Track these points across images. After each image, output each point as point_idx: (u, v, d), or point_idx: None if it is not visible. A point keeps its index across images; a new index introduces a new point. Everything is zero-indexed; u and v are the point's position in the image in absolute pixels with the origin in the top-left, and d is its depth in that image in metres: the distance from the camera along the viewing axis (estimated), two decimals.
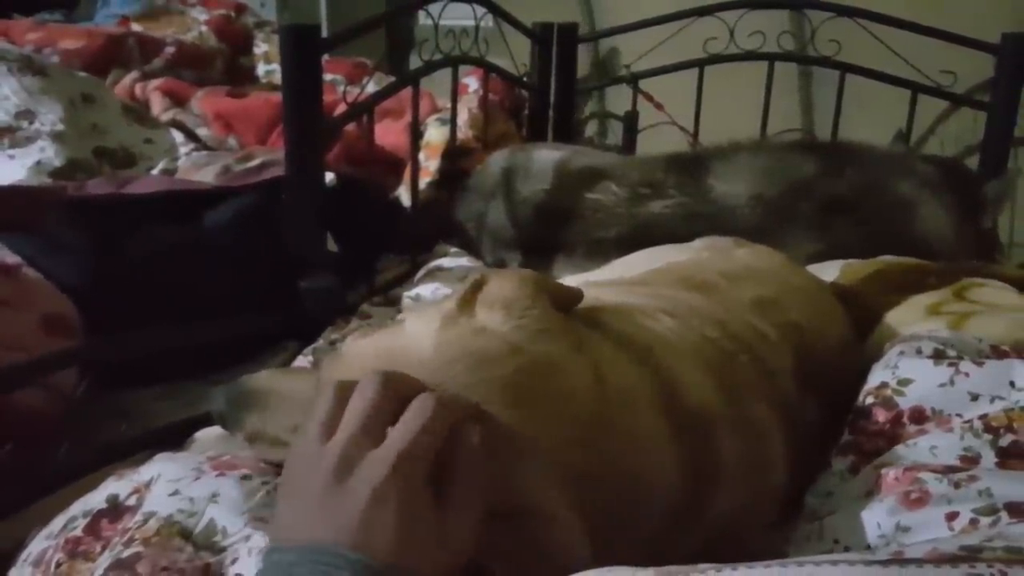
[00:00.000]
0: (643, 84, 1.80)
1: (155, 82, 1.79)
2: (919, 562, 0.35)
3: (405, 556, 0.39)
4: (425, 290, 1.23)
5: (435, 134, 1.59)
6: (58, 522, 0.62)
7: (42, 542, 0.61)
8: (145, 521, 0.56)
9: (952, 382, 0.63)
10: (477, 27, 1.47)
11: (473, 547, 0.42)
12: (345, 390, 0.44)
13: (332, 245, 1.19)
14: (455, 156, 1.54)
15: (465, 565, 0.42)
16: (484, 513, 0.42)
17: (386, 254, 1.42)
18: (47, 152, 1.38)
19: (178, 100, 1.76)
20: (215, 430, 0.79)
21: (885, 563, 0.36)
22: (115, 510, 0.59)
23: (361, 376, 0.47)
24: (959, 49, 1.55)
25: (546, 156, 1.39)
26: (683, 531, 0.54)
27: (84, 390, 0.89)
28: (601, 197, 1.27)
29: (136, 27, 2.12)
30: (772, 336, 0.70)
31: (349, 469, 0.41)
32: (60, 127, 1.42)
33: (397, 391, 0.44)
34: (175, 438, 0.84)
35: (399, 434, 0.42)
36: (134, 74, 1.83)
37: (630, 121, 1.81)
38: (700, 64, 1.69)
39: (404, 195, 1.47)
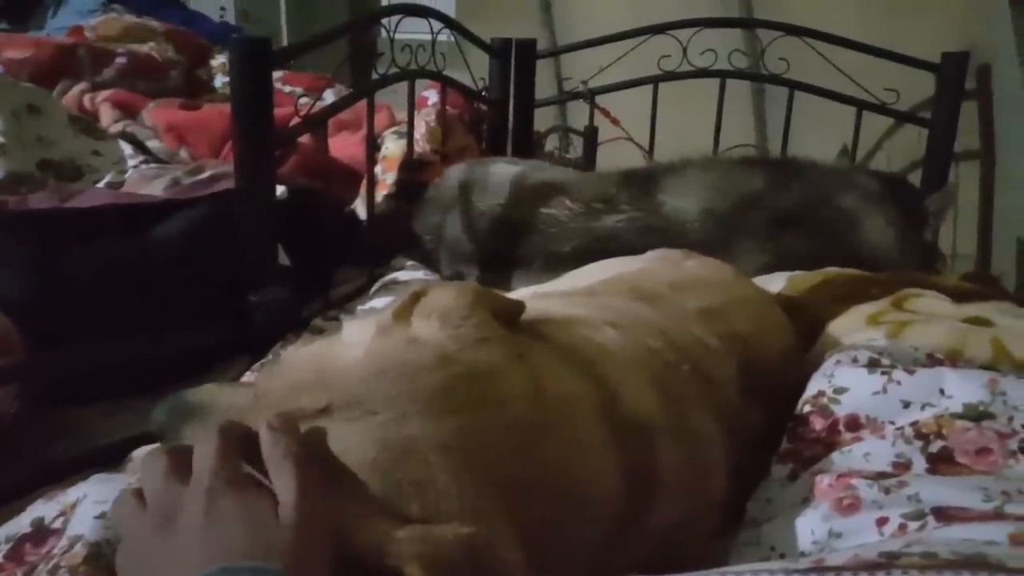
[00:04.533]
0: (602, 99, 1.82)
1: (104, 93, 1.76)
2: (838, 570, 0.36)
3: (256, 552, 0.39)
4: (380, 303, 1.23)
5: (393, 147, 1.58)
6: None
7: None
8: (71, 546, 0.55)
9: (885, 390, 0.64)
10: (434, 41, 1.48)
11: (340, 538, 0.41)
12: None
13: (284, 258, 1.18)
14: (413, 169, 1.54)
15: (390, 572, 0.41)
16: (407, 520, 0.42)
17: (343, 267, 1.41)
18: None
19: (129, 112, 1.72)
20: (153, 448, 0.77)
21: (806, 572, 0.36)
22: (39, 533, 0.58)
23: (295, 384, 0.48)
24: (902, 68, 1.60)
25: (503, 170, 1.40)
26: (624, 541, 0.54)
27: (19, 408, 0.87)
28: (556, 212, 1.28)
29: (89, 36, 2.08)
30: (716, 346, 0.71)
31: (171, 513, 0.42)
32: (0, 140, 1.38)
33: (183, 450, 0.45)
34: (115, 457, 0.83)
35: (198, 464, 0.43)
36: (83, 85, 1.80)
37: (590, 136, 1.83)
38: (654, 81, 1.72)
39: (361, 208, 1.47)
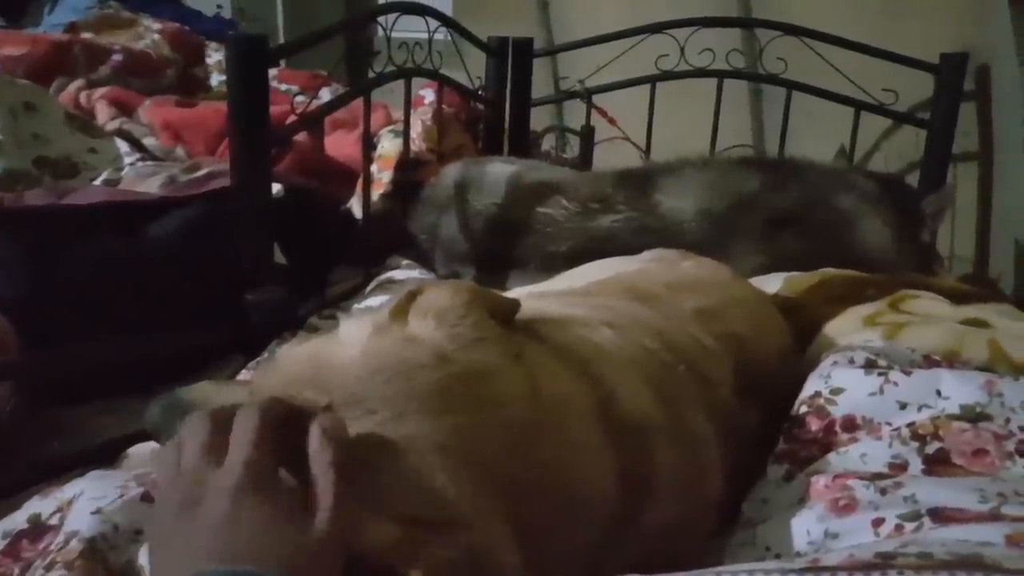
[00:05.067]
0: (599, 99, 1.82)
1: (100, 91, 1.75)
2: (834, 570, 0.36)
3: (269, 559, 0.38)
4: (375, 302, 1.22)
5: (389, 146, 1.58)
6: None
7: None
8: (67, 542, 0.55)
9: (881, 391, 0.64)
10: (431, 40, 1.47)
11: (355, 542, 0.41)
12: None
13: (280, 257, 1.17)
14: (409, 168, 1.53)
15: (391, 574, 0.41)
16: (406, 522, 0.42)
17: (339, 266, 1.41)
18: None
19: (125, 109, 1.72)
20: (149, 446, 0.77)
21: (801, 571, 0.36)
22: (36, 530, 0.58)
23: (292, 382, 0.47)
24: (901, 68, 1.60)
25: (499, 170, 1.40)
26: (620, 541, 0.54)
27: (15, 406, 0.87)
28: (552, 211, 1.28)
29: (85, 35, 2.07)
30: (712, 346, 0.71)
31: (198, 496, 0.41)
32: None
33: (225, 419, 0.44)
34: (111, 455, 0.82)
35: (234, 448, 0.42)
36: (79, 82, 1.79)
37: (586, 135, 1.83)
38: (652, 80, 1.72)
39: (357, 206, 1.46)
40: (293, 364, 0.51)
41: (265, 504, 0.40)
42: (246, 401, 0.53)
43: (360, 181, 1.40)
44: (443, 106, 1.62)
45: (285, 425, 0.44)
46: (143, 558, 0.57)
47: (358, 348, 0.48)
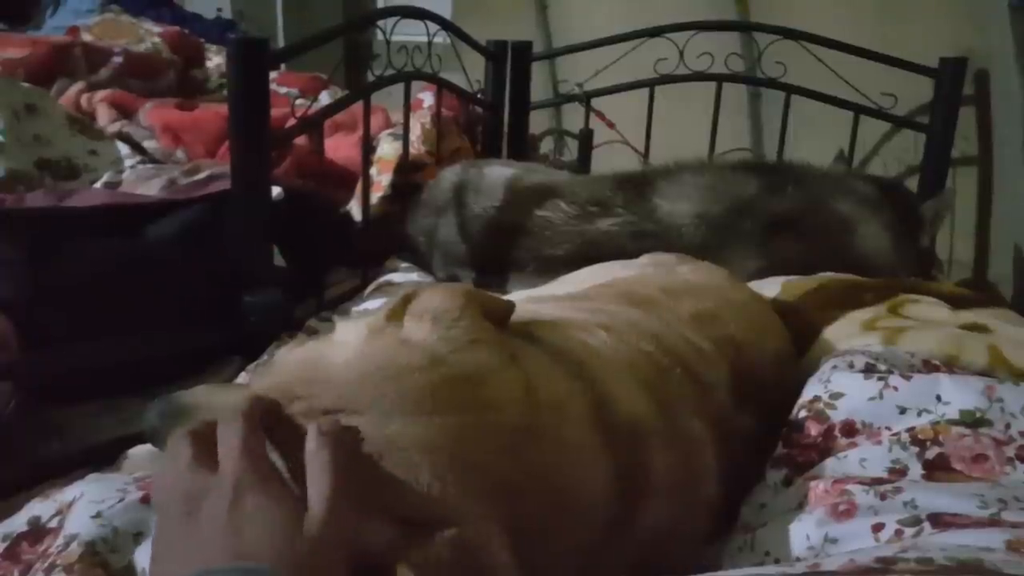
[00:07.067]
0: (597, 102, 1.82)
1: (101, 93, 1.75)
2: (833, 574, 0.36)
3: (272, 556, 0.39)
4: (374, 305, 1.23)
5: (388, 149, 1.58)
6: None
7: None
8: (67, 545, 0.55)
9: (881, 396, 0.64)
10: (430, 43, 1.48)
11: (353, 542, 0.41)
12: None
13: (279, 259, 1.17)
14: (407, 171, 1.53)
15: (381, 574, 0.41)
16: (397, 521, 0.42)
17: (337, 268, 1.41)
18: None
19: (125, 111, 1.72)
20: (148, 448, 0.77)
21: None
22: (36, 532, 0.58)
23: (284, 384, 0.48)
24: (900, 72, 1.60)
25: (498, 173, 1.40)
26: (615, 544, 0.54)
27: (15, 406, 0.87)
28: (551, 214, 1.28)
29: (86, 37, 2.08)
30: (708, 350, 0.71)
31: (198, 500, 0.42)
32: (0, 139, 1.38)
33: (208, 434, 0.45)
34: (109, 456, 0.82)
35: (223, 451, 0.43)
36: (80, 84, 1.79)
37: (585, 139, 1.83)
38: (651, 84, 1.72)
39: (356, 209, 1.46)
40: (288, 367, 0.51)
41: (264, 504, 0.41)
42: (243, 404, 0.53)
43: (359, 184, 1.40)
44: (442, 109, 1.62)
45: (266, 419, 0.45)
46: (143, 559, 0.57)
47: (352, 351, 0.49)
